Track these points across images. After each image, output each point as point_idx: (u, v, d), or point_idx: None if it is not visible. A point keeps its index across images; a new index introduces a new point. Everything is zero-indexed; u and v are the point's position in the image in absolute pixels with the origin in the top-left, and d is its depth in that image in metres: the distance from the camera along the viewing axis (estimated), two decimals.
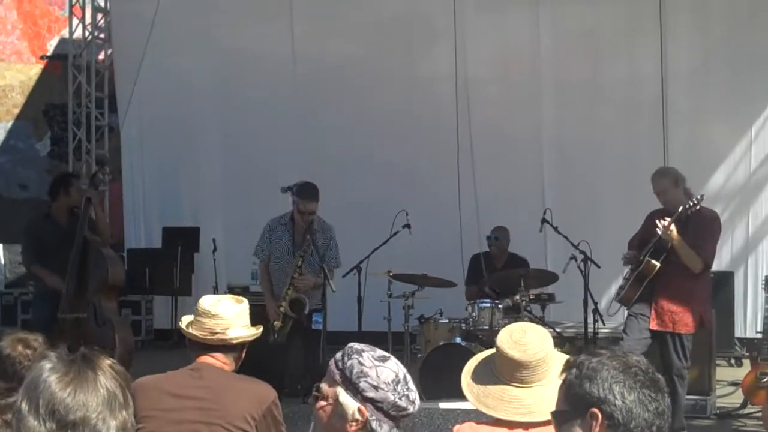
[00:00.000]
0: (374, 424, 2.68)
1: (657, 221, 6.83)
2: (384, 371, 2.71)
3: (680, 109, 10.94)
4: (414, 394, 2.73)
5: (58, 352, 2.18)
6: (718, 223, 7.19)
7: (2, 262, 12.78)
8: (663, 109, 10.82)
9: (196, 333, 3.96)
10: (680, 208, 6.77)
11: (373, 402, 2.68)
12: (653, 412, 2.24)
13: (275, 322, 7.61)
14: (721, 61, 10.87)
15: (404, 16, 11.85)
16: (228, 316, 3.96)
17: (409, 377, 2.75)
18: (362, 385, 2.67)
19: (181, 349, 4.50)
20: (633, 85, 11.20)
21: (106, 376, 2.12)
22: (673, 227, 6.76)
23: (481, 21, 11.57)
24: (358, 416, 2.68)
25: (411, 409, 2.72)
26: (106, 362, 2.16)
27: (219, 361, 3.98)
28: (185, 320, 4.06)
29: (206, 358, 3.98)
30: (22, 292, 11.42)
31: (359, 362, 2.71)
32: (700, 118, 10.99)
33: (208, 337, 3.96)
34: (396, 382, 2.71)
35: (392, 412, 2.70)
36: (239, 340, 3.99)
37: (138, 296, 11.98)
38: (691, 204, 6.76)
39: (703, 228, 6.90)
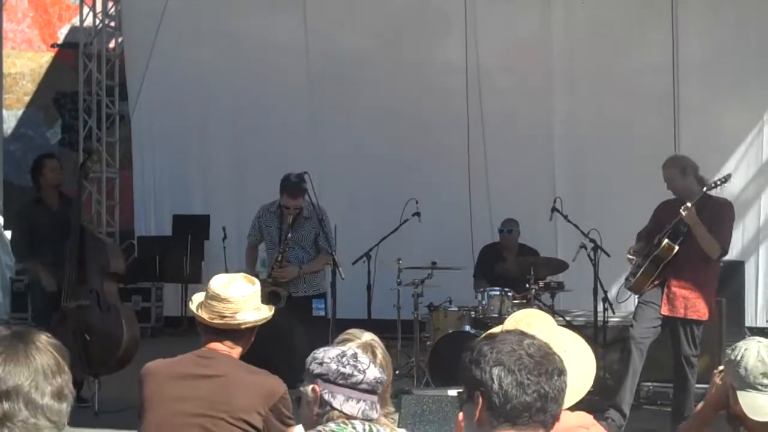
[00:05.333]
0: (326, 396, 2.85)
1: (682, 208, 6.81)
2: (331, 350, 2.92)
3: (692, 98, 10.90)
4: (364, 366, 2.87)
5: None
6: (732, 209, 7.17)
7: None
8: (674, 98, 10.80)
9: (205, 316, 3.85)
10: (704, 189, 6.75)
11: (320, 377, 2.86)
12: (533, 395, 2.26)
13: None
14: (733, 51, 10.81)
15: (416, 6, 11.82)
16: (238, 300, 3.83)
17: (362, 356, 2.92)
18: (312, 366, 2.88)
19: (191, 336, 4.42)
20: (645, 75, 11.13)
21: (38, 348, 2.16)
22: (694, 210, 6.74)
23: (493, 11, 11.54)
24: (311, 395, 2.86)
25: (360, 376, 2.85)
26: (41, 336, 2.21)
27: (227, 346, 3.88)
28: (196, 300, 3.93)
29: (215, 345, 3.88)
30: None
31: (313, 354, 2.93)
32: (711, 108, 10.93)
33: (216, 320, 3.85)
34: (341, 356, 2.89)
35: (340, 381, 2.85)
36: (248, 325, 3.88)
37: (148, 284, 12.05)
38: (719, 182, 6.77)
39: (718, 214, 6.88)
